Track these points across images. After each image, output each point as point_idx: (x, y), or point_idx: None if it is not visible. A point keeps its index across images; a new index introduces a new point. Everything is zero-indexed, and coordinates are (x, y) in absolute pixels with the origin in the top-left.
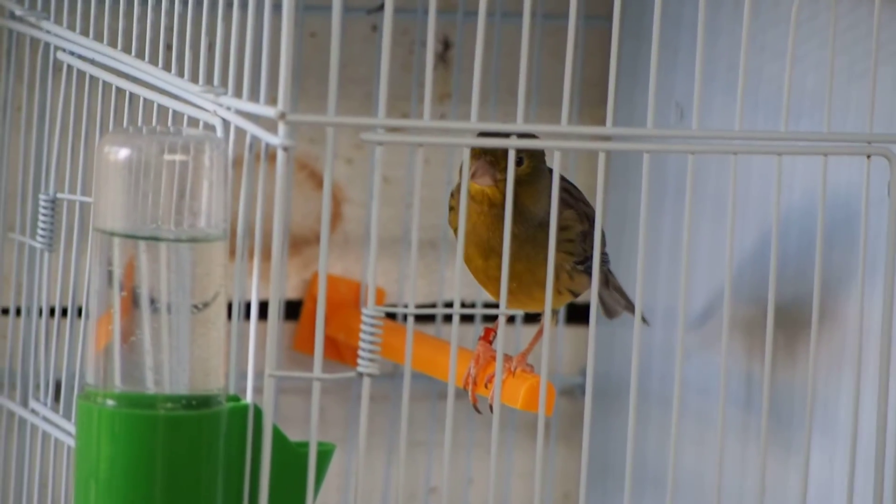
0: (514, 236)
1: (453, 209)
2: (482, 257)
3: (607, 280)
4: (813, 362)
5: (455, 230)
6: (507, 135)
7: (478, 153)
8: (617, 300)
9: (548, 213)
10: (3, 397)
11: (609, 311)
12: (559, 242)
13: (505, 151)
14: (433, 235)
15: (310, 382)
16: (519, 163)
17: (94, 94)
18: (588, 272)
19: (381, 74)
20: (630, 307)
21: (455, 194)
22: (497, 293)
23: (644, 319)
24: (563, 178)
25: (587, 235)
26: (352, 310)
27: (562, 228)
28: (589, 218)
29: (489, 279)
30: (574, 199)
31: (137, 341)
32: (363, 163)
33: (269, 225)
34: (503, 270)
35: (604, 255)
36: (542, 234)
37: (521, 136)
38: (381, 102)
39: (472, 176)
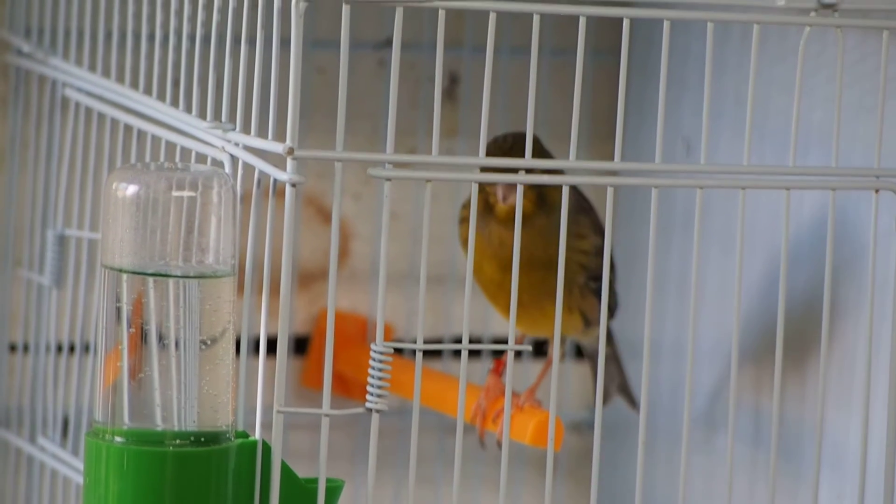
0: (537, 234)
1: (465, 220)
2: (499, 269)
3: (610, 337)
4: (822, 396)
5: (465, 242)
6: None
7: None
8: (612, 376)
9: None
10: (11, 434)
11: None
12: (574, 252)
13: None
14: (440, 271)
15: (318, 418)
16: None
17: (101, 131)
18: (599, 295)
19: (390, 110)
20: (625, 387)
21: (467, 206)
22: (506, 307)
23: (634, 404)
24: (579, 193)
25: (601, 252)
26: (359, 345)
27: (579, 236)
28: (602, 233)
29: (501, 290)
30: (590, 207)
31: (146, 378)
32: (371, 198)
33: (277, 260)
34: (512, 294)
35: (613, 297)
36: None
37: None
38: (390, 138)
39: (502, 200)
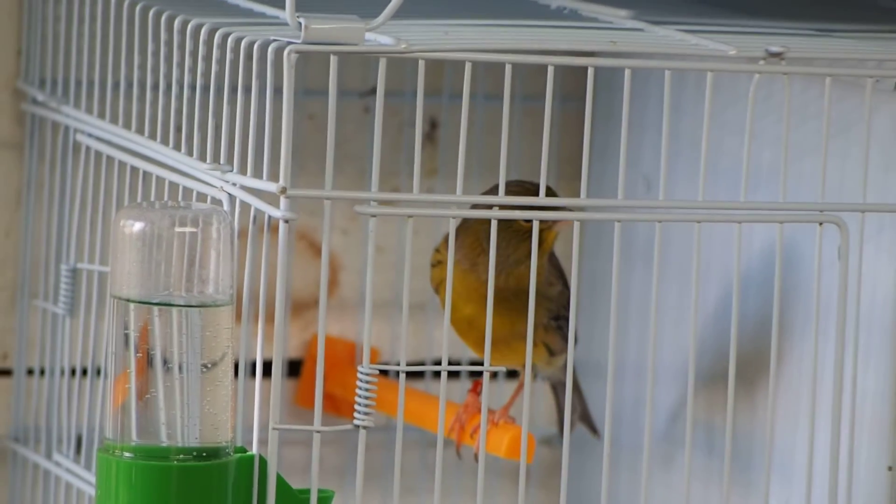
0: (498, 290)
1: (436, 265)
2: (466, 307)
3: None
4: (771, 411)
5: (436, 285)
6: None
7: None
8: (574, 406)
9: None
10: (29, 451)
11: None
12: (542, 298)
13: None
14: (422, 298)
15: (310, 434)
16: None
17: (110, 173)
18: (561, 330)
19: (375, 152)
20: (586, 416)
21: (440, 249)
22: (476, 343)
23: (595, 431)
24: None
25: (562, 294)
26: (348, 367)
27: (548, 284)
28: (563, 278)
29: (471, 328)
30: (555, 258)
31: (152, 399)
32: (357, 233)
33: (271, 291)
34: (487, 333)
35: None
36: (523, 295)
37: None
38: (374, 178)
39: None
